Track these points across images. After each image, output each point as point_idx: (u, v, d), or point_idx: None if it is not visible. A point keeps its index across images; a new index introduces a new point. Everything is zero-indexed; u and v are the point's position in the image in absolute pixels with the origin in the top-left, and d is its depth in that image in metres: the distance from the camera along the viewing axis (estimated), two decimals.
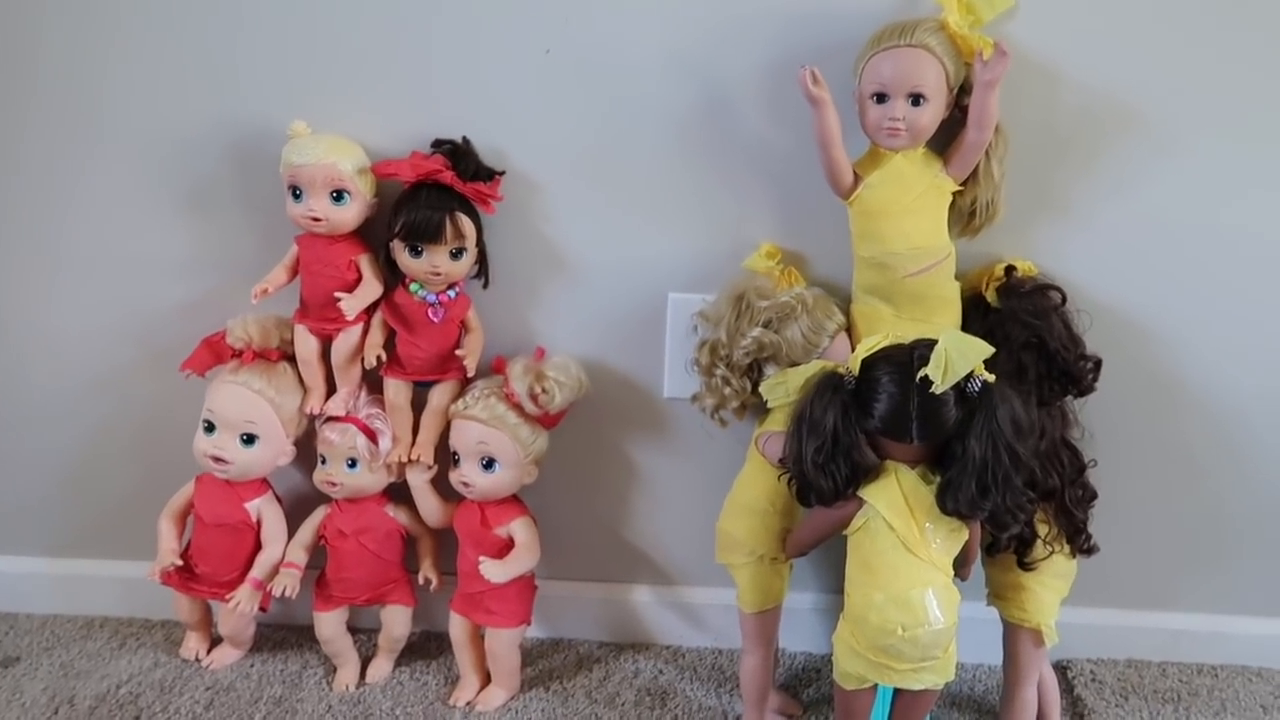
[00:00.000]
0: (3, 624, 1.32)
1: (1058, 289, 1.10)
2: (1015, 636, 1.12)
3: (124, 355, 1.25)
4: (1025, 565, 1.08)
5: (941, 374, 0.92)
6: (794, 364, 1.07)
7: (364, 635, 1.29)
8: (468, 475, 1.15)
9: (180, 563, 1.19)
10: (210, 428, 1.16)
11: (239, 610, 1.18)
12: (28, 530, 1.34)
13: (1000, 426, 0.92)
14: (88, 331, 1.25)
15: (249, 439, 1.16)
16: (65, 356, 1.26)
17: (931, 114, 1.02)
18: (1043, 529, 1.07)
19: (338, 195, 1.10)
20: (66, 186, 1.20)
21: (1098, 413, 1.14)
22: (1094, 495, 1.11)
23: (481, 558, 1.13)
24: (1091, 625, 1.28)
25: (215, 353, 1.17)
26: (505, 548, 1.16)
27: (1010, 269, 1.11)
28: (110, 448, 1.30)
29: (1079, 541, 1.09)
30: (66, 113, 1.17)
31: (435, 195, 1.09)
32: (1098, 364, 1.09)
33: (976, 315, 1.10)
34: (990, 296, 1.10)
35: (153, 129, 1.17)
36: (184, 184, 1.19)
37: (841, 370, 0.98)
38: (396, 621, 1.24)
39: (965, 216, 1.08)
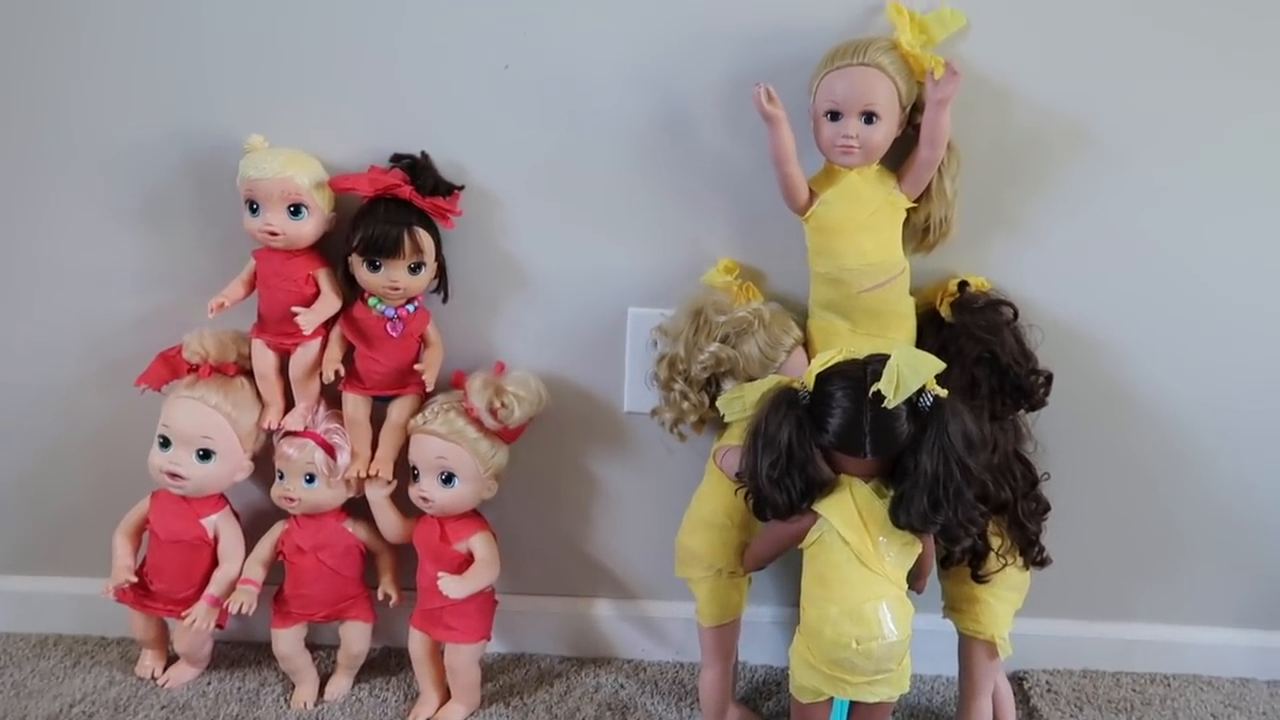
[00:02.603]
0: None
1: (1010, 304, 1.11)
2: (970, 648, 1.14)
3: (79, 370, 1.24)
4: (979, 578, 1.09)
5: (894, 389, 0.93)
6: (751, 379, 1.08)
7: (323, 652, 1.28)
8: (427, 490, 1.15)
9: (135, 579, 1.18)
10: (166, 443, 1.15)
11: (195, 627, 1.17)
12: None
13: (952, 441, 0.93)
14: (42, 345, 1.23)
15: (205, 454, 1.15)
16: (19, 370, 1.24)
17: (884, 132, 1.03)
18: (996, 542, 1.09)
19: (295, 209, 1.10)
20: (20, 199, 1.18)
21: (1050, 426, 1.15)
22: (1047, 508, 1.12)
23: (440, 573, 1.13)
24: (1047, 636, 1.29)
25: (171, 367, 1.16)
26: (465, 563, 1.16)
27: (964, 284, 1.12)
28: (64, 463, 1.28)
29: (1032, 554, 1.11)
30: (20, 124, 1.16)
31: (393, 210, 1.09)
32: (1049, 378, 1.10)
33: (931, 330, 1.11)
34: (944, 312, 1.11)
35: (109, 142, 1.16)
36: (140, 197, 1.18)
37: (796, 385, 0.99)
38: (355, 638, 1.23)
39: (919, 233, 1.10)
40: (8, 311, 1.22)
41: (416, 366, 1.15)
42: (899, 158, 1.08)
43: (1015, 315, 1.11)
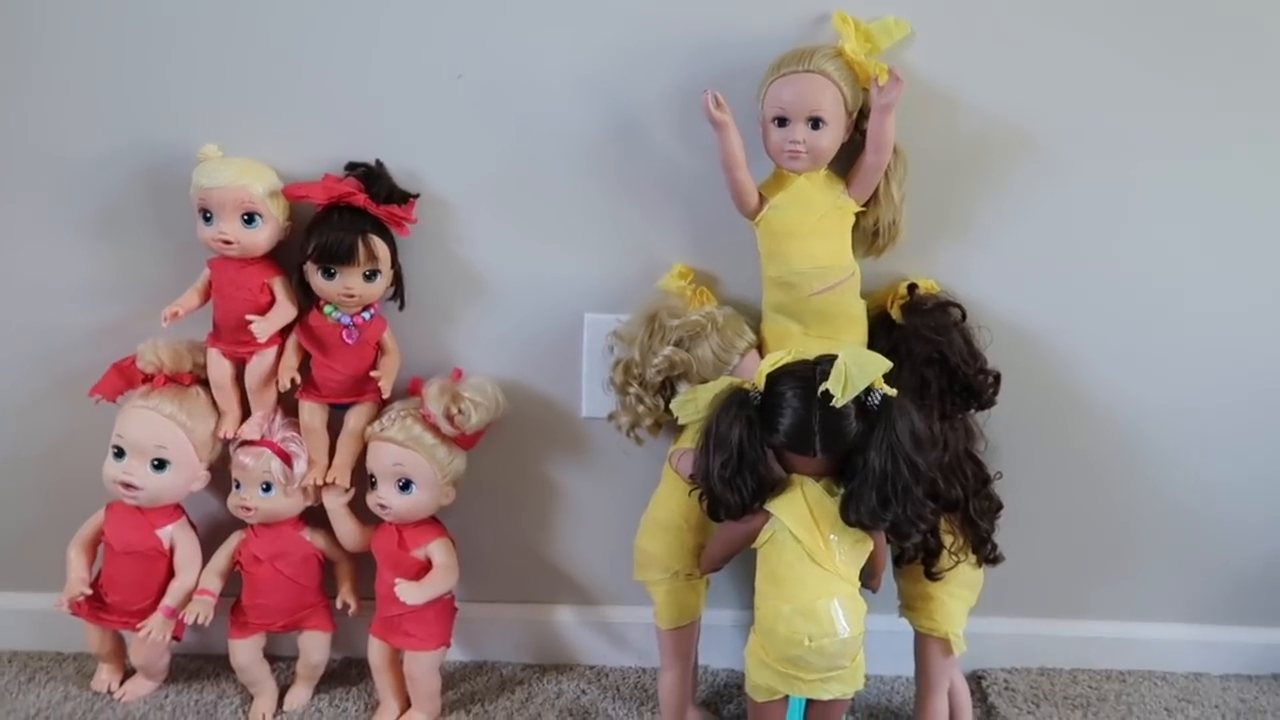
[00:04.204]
0: None
1: (958, 306, 1.13)
2: (925, 646, 1.15)
3: (31, 381, 1.23)
4: (932, 575, 1.11)
5: (841, 388, 0.94)
6: (705, 382, 1.09)
7: (282, 663, 1.27)
8: (385, 497, 1.15)
9: (90, 592, 1.17)
10: (120, 453, 1.14)
11: (151, 639, 1.16)
12: None
13: (899, 439, 0.94)
14: None
15: (160, 464, 1.14)
16: None
17: (830, 137, 1.05)
18: (948, 539, 1.10)
19: (249, 218, 1.10)
20: None
21: (1001, 426, 1.17)
22: (999, 506, 1.14)
23: (397, 580, 1.13)
24: (1005, 635, 1.31)
25: (126, 377, 1.16)
26: (424, 570, 1.16)
27: (913, 287, 1.14)
28: (17, 475, 1.27)
29: (984, 551, 1.12)
30: None
31: (348, 218, 1.10)
32: (997, 378, 1.12)
33: (882, 332, 1.13)
34: (894, 314, 1.13)
35: (62, 152, 1.15)
36: (93, 207, 1.17)
37: (747, 386, 1.00)
38: (314, 648, 1.23)
39: (869, 237, 1.12)
40: None
41: (373, 374, 1.16)
42: (847, 163, 1.10)
43: (963, 316, 1.13)
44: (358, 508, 1.19)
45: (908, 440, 0.95)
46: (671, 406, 1.09)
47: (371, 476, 1.16)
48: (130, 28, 1.11)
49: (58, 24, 1.11)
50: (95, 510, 1.19)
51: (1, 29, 1.11)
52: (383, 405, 1.18)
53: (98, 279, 1.20)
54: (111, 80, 1.13)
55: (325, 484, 1.17)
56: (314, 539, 1.21)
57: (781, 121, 1.05)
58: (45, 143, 1.15)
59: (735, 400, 0.99)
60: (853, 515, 0.96)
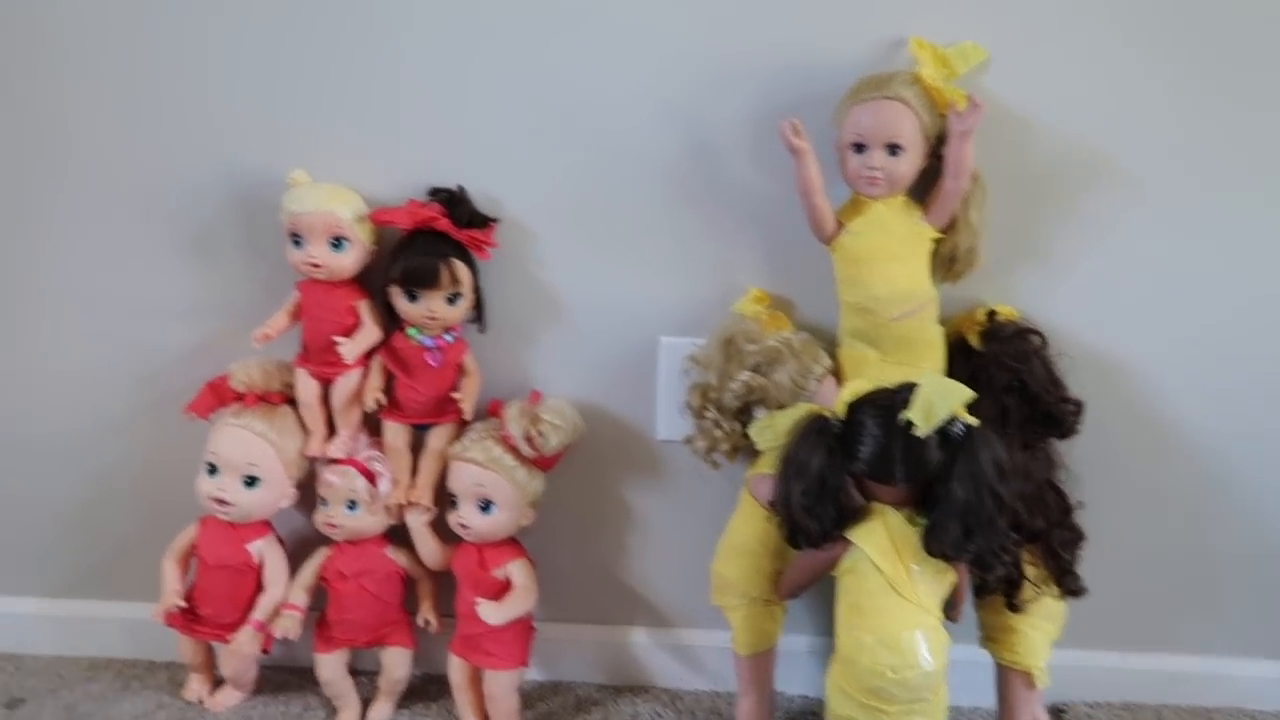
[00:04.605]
0: (8, 665, 1.34)
1: (1038, 333, 1.12)
2: (1007, 679, 1.13)
3: (129, 399, 1.28)
4: (1014, 607, 1.09)
5: (924, 417, 0.93)
6: (782, 407, 1.09)
7: (364, 677, 1.30)
8: (465, 517, 1.17)
9: (184, 604, 1.21)
10: (213, 470, 1.18)
11: (241, 652, 1.19)
12: (33, 572, 1.36)
13: (983, 469, 0.94)
14: (94, 376, 1.28)
15: (251, 481, 1.18)
16: (72, 400, 1.29)
17: (908, 163, 1.05)
18: (1031, 571, 1.08)
19: (337, 242, 1.13)
20: (73, 233, 1.23)
21: (1084, 455, 1.15)
22: (1082, 537, 1.12)
23: (478, 599, 1.14)
24: (1089, 668, 1.28)
25: (218, 396, 1.20)
26: (504, 589, 1.18)
27: (992, 313, 1.12)
28: (115, 490, 1.32)
29: (1067, 583, 1.10)
30: (75, 162, 1.20)
31: (431, 242, 1.12)
32: (1080, 406, 1.10)
33: (960, 359, 1.11)
34: (973, 341, 1.12)
35: (159, 177, 1.20)
36: (189, 231, 1.22)
37: (828, 414, 1.00)
38: (396, 664, 1.25)
39: (947, 262, 1.11)
40: (63, 345, 1.27)
41: (454, 395, 1.18)
42: (926, 188, 1.09)
43: (1044, 343, 1.11)
44: (439, 527, 1.21)
45: (991, 470, 0.94)
46: (750, 432, 1.10)
47: (452, 496, 1.18)
48: (224, 60, 1.15)
49: (157, 58, 1.16)
50: (189, 524, 1.24)
51: (105, 63, 1.16)
52: (464, 426, 1.20)
53: (192, 300, 1.24)
54: (206, 109, 1.17)
55: (408, 503, 1.20)
56: (397, 557, 1.23)
57: (859, 147, 1.05)
58: (144, 169, 1.20)
59: (815, 427, 0.99)
60: (936, 546, 0.95)
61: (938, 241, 1.09)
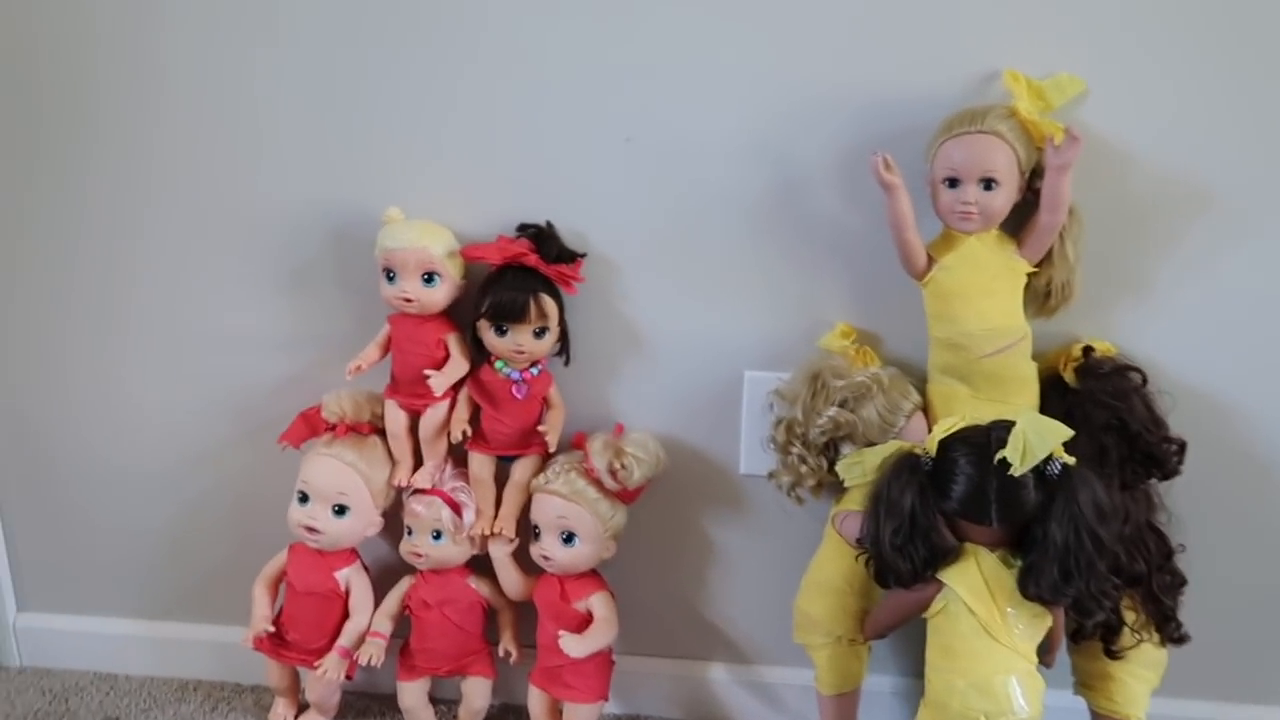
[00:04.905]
0: (104, 684, 1.38)
1: (1138, 370, 1.09)
2: None
3: (225, 429, 1.32)
4: (1113, 654, 1.06)
5: (1020, 456, 0.92)
6: (870, 443, 1.08)
7: (444, 706, 1.31)
8: (548, 549, 1.17)
9: (272, 629, 1.24)
10: (304, 498, 1.21)
11: (326, 678, 1.21)
12: (130, 594, 1.41)
13: (1082, 510, 0.91)
14: (194, 406, 1.32)
15: (340, 509, 1.20)
16: (172, 429, 1.33)
17: (1003, 198, 1.03)
18: (1130, 616, 1.05)
19: (429, 277, 1.16)
20: (172, 269, 1.27)
21: (1185, 496, 1.11)
22: (1183, 581, 1.08)
23: (560, 631, 1.15)
24: (1188, 719, 1.23)
25: (311, 426, 1.23)
26: (585, 622, 1.18)
27: (1088, 349, 1.10)
28: (209, 517, 1.36)
29: (1169, 630, 1.06)
30: (175, 199, 1.25)
31: (520, 277, 1.14)
32: (1182, 446, 1.07)
33: (1055, 396, 1.09)
34: (1069, 377, 1.09)
35: (258, 214, 1.24)
36: (286, 266, 1.26)
37: (919, 451, 0.99)
38: (477, 693, 1.26)
39: (1041, 297, 1.09)
40: (167, 375, 1.31)
41: (539, 428, 1.19)
42: (1019, 221, 1.08)
43: (1144, 381, 1.08)
44: (521, 558, 1.22)
45: (1091, 512, 0.91)
46: (837, 468, 1.08)
47: (535, 528, 1.19)
48: (321, 101, 1.19)
49: (256, 99, 1.20)
50: (278, 551, 1.26)
51: (206, 104, 1.21)
52: (548, 459, 1.21)
53: (288, 332, 1.28)
54: (304, 149, 1.21)
55: (491, 534, 1.21)
56: (479, 587, 1.24)
57: (952, 182, 1.04)
58: (242, 206, 1.24)
59: (906, 465, 0.97)
60: (1032, 589, 0.93)
61: (1032, 276, 1.07)
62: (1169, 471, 1.07)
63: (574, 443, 1.21)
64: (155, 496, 1.36)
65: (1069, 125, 1.02)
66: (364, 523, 1.22)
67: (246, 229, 1.25)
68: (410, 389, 1.20)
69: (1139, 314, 1.13)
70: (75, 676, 1.40)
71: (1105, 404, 1.05)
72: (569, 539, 1.17)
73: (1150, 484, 1.08)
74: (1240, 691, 1.24)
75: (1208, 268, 1.11)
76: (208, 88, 1.20)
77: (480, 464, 1.21)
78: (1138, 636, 1.05)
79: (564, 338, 1.19)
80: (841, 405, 1.09)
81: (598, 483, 1.16)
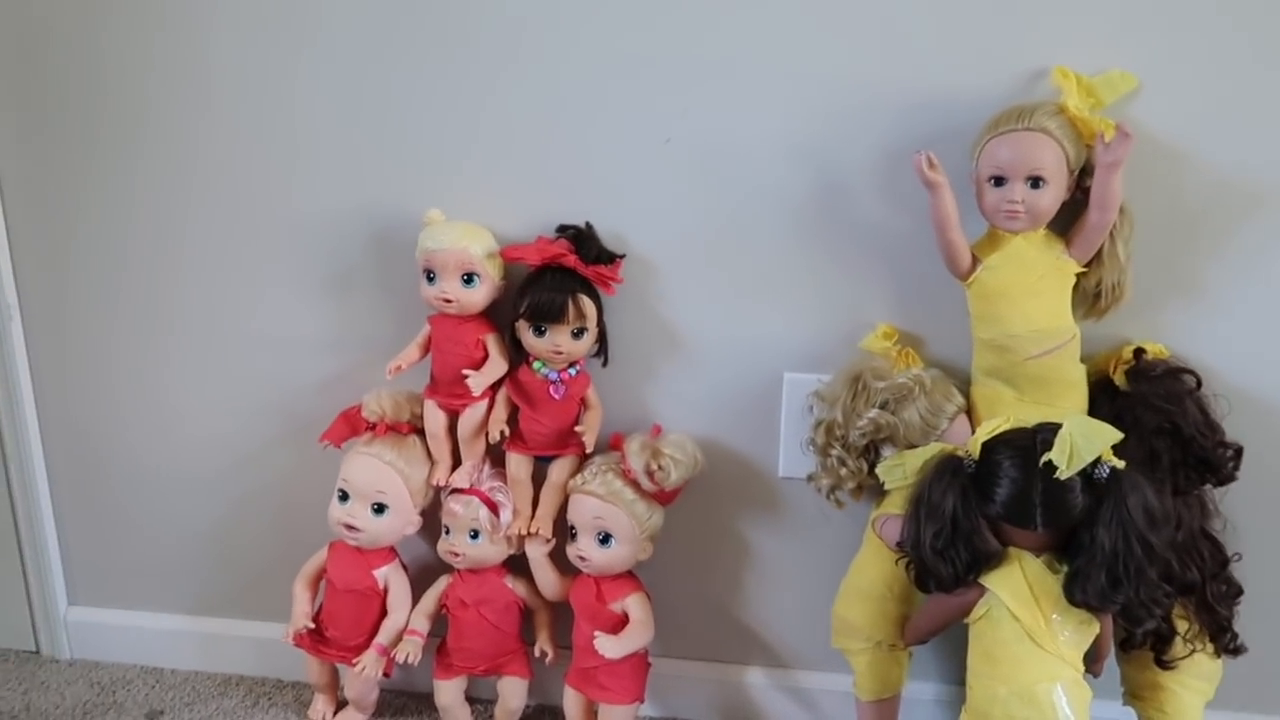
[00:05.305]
0: (150, 678, 1.41)
1: (1192, 372, 1.06)
2: None
3: (267, 429, 1.34)
4: (1164, 664, 1.03)
5: (1066, 459, 0.89)
6: (911, 446, 1.06)
7: (481, 705, 1.31)
8: (584, 549, 1.17)
9: (312, 626, 1.25)
10: (344, 496, 1.22)
11: (364, 675, 1.22)
12: (175, 589, 1.43)
13: (1131, 515, 0.89)
14: (239, 405, 1.34)
15: (380, 508, 1.21)
16: (217, 428, 1.35)
17: (1051, 196, 1.01)
18: (1182, 625, 1.02)
19: (468, 278, 1.16)
20: (216, 270, 1.29)
21: (1241, 504, 1.08)
22: (1239, 591, 1.05)
23: (596, 632, 1.14)
24: None
25: (351, 425, 1.24)
26: (621, 623, 1.18)
27: (1140, 352, 1.07)
28: (252, 514, 1.38)
29: (1224, 640, 1.03)
30: (218, 202, 1.26)
31: (559, 278, 1.14)
32: (1238, 451, 1.04)
33: (1104, 399, 1.06)
34: (1119, 380, 1.07)
35: (300, 217, 1.25)
36: (329, 268, 1.27)
37: (961, 453, 0.97)
38: (513, 693, 1.26)
39: (1090, 298, 1.06)
40: (213, 375, 1.33)
41: (577, 428, 1.19)
42: (1068, 221, 1.05)
43: (1198, 384, 1.05)
44: (558, 558, 1.22)
45: (1140, 517, 0.89)
46: (878, 471, 1.07)
47: (572, 528, 1.18)
48: (362, 105, 1.20)
49: (299, 104, 1.21)
50: (318, 549, 1.28)
51: (249, 109, 1.22)
52: (585, 459, 1.21)
53: (331, 333, 1.29)
54: (346, 152, 1.22)
55: (528, 533, 1.21)
56: (515, 587, 1.24)
57: (998, 181, 1.02)
58: (285, 209, 1.26)
59: (949, 468, 0.96)
60: (1079, 595, 0.91)
61: (1081, 276, 1.05)
62: (1224, 477, 1.04)
63: (611, 444, 1.21)
64: (200, 496, 1.38)
65: (1120, 122, 0.99)
66: (403, 521, 1.23)
67: (289, 232, 1.26)
68: (449, 389, 1.20)
69: (1192, 315, 1.10)
70: (122, 670, 1.42)
71: (1157, 407, 1.02)
72: (605, 540, 1.16)
73: (1205, 490, 1.05)
74: None
75: (1262, 268, 1.08)
76: (250, 94, 1.22)
77: (518, 464, 1.21)
78: (1190, 646, 1.02)
79: (602, 339, 1.19)
80: (883, 407, 1.07)
81: (634, 484, 1.16)
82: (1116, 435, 0.91)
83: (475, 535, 1.21)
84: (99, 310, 1.33)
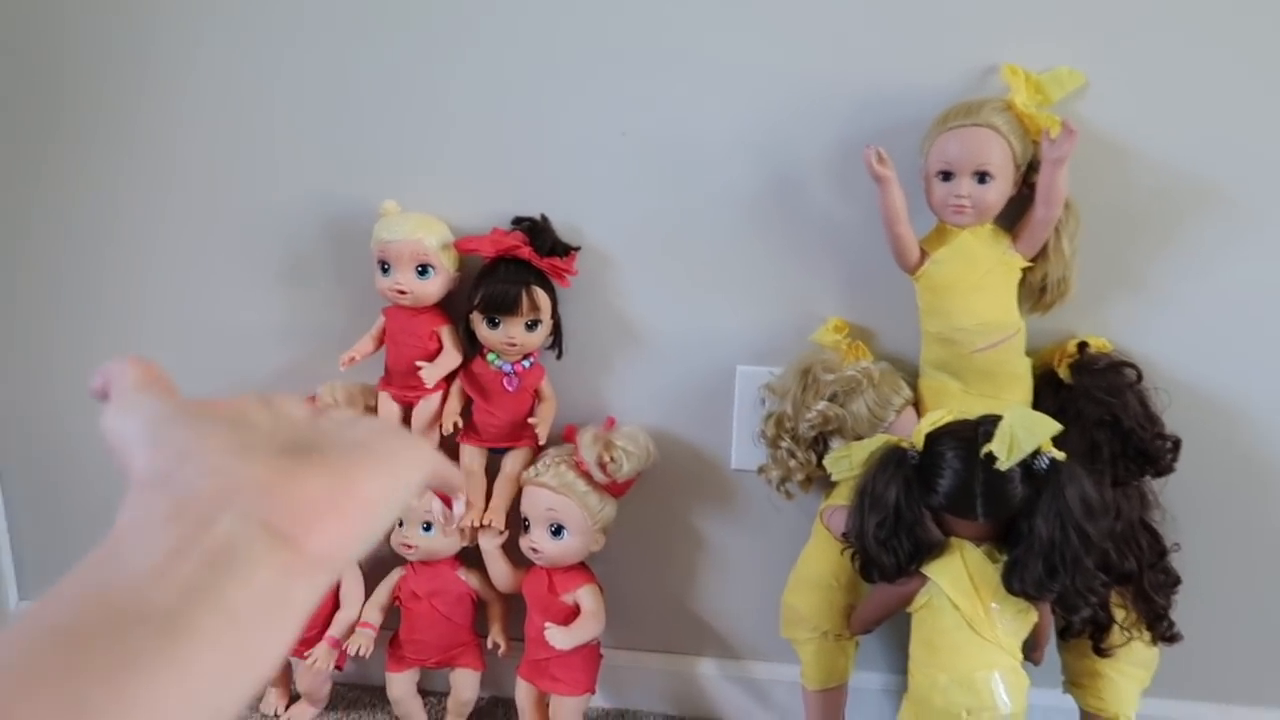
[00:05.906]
0: None
1: (1133, 366, 1.07)
2: None
3: None
4: (1102, 651, 1.04)
5: (1006, 450, 0.91)
6: (859, 438, 1.07)
7: (434, 698, 1.31)
8: (537, 541, 1.17)
9: None
10: None
11: (316, 668, 1.21)
12: None
13: (1069, 505, 0.90)
14: (188, 396, 1.31)
15: None
16: None
17: (997, 191, 1.03)
18: (1120, 614, 1.04)
19: (423, 269, 1.16)
20: (169, 260, 1.28)
21: (1180, 495, 1.10)
22: (1177, 580, 1.07)
23: (547, 624, 1.15)
24: (1179, 719, 1.21)
25: None
26: (572, 615, 1.18)
27: (1083, 345, 1.09)
28: None
29: (1160, 628, 1.05)
30: (173, 192, 1.25)
31: (513, 270, 1.14)
32: (1177, 443, 1.06)
33: (1049, 392, 1.08)
34: (1063, 373, 1.08)
35: (255, 207, 1.24)
36: (284, 259, 1.26)
37: (905, 445, 0.98)
38: (465, 685, 1.26)
39: (1036, 293, 1.08)
40: (165, 366, 1.30)
41: (530, 420, 1.19)
42: (1015, 216, 1.07)
43: (1139, 377, 1.07)
44: (511, 550, 1.22)
45: (1078, 507, 0.91)
46: (825, 463, 1.08)
47: (525, 520, 1.19)
48: (317, 95, 1.19)
49: (252, 93, 1.21)
50: None
51: (204, 98, 1.21)
52: (538, 451, 1.21)
53: (285, 323, 1.28)
54: (301, 141, 1.21)
55: (481, 525, 1.21)
56: (468, 579, 1.24)
57: (946, 175, 1.03)
58: (238, 200, 1.25)
59: (892, 459, 0.97)
60: (1017, 584, 0.92)
61: (1027, 271, 1.06)
62: (1162, 468, 1.06)
63: (565, 436, 1.21)
64: None
65: (1065, 118, 1.01)
66: None
67: (242, 223, 1.25)
68: (403, 381, 1.20)
69: (1136, 310, 1.12)
70: None
71: (1098, 400, 1.04)
72: (558, 531, 1.17)
73: (1144, 481, 1.07)
74: (1234, 692, 1.22)
75: (1205, 264, 1.10)
76: (204, 83, 1.21)
77: (471, 456, 1.21)
78: (1127, 634, 1.04)
79: (557, 331, 1.19)
80: (831, 399, 1.08)
81: (587, 476, 1.16)
82: (1056, 427, 0.93)
83: (428, 527, 1.21)
84: (50, 301, 1.31)
